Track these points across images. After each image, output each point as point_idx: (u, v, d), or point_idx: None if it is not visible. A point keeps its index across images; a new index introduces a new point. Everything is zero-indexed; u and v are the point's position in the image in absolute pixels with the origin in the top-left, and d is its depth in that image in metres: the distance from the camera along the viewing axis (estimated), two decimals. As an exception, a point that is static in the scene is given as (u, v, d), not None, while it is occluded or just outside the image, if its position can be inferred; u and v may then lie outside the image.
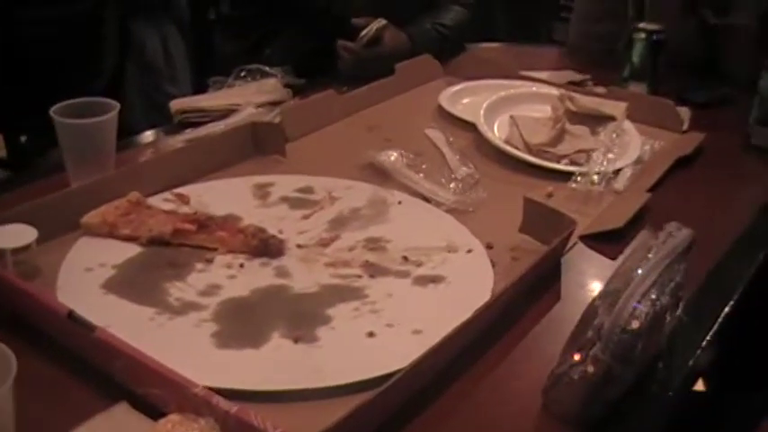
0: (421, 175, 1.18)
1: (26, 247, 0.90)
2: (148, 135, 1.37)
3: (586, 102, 1.41)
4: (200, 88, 1.58)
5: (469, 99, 1.52)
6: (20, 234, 0.90)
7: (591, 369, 0.70)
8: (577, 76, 1.64)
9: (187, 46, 2.12)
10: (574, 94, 1.42)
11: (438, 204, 1.11)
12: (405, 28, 1.65)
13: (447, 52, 1.68)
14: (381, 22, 1.60)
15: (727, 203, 1.22)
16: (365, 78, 1.52)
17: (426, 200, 1.13)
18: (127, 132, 1.27)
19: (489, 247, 1.01)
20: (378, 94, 1.50)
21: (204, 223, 1.00)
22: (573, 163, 1.26)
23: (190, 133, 1.31)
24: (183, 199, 1.10)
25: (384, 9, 1.63)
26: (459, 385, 0.79)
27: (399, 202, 1.11)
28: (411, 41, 1.64)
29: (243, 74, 1.51)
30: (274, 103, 1.42)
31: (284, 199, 1.12)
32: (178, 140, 1.29)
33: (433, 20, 1.71)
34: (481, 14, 1.81)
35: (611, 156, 1.26)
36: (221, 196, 1.11)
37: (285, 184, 1.15)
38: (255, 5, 1.81)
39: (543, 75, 1.61)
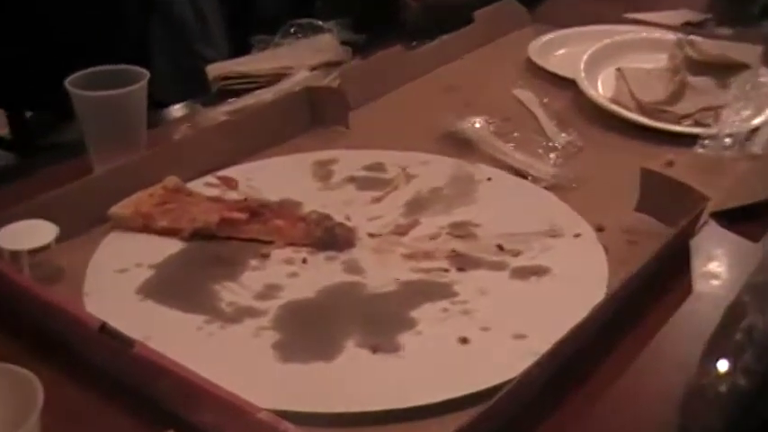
0: (512, 145, 1.17)
1: (45, 247, 0.89)
2: (182, 108, 1.37)
3: (711, 47, 1.37)
4: (240, 49, 1.56)
5: (565, 50, 1.50)
6: (36, 231, 0.90)
7: (742, 381, 0.67)
8: (696, 16, 1.61)
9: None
10: (695, 39, 1.39)
11: (535, 180, 1.10)
12: None
13: None
14: None
15: None
16: (437, 31, 1.50)
17: (520, 175, 1.11)
18: (156, 105, 1.27)
19: (600, 229, 0.99)
20: (454, 48, 1.48)
21: (257, 211, 0.99)
22: (697, 124, 1.23)
23: (232, 103, 1.31)
24: (230, 183, 1.09)
25: None
26: (572, 402, 0.76)
27: (489, 179, 1.10)
28: None
29: (292, 30, 1.50)
30: (331, 64, 1.41)
31: (350, 179, 1.11)
32: (219, 113, 1.28)
33: None
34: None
35: (745, 113, 1.22)
36: (275, 178, 1.10)
37: (350, 160, 1.15)
38: None
39: (654, 16, 1.59)
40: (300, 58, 1.42)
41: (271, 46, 1.48)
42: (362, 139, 1.21)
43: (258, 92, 1.34)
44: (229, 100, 1.32)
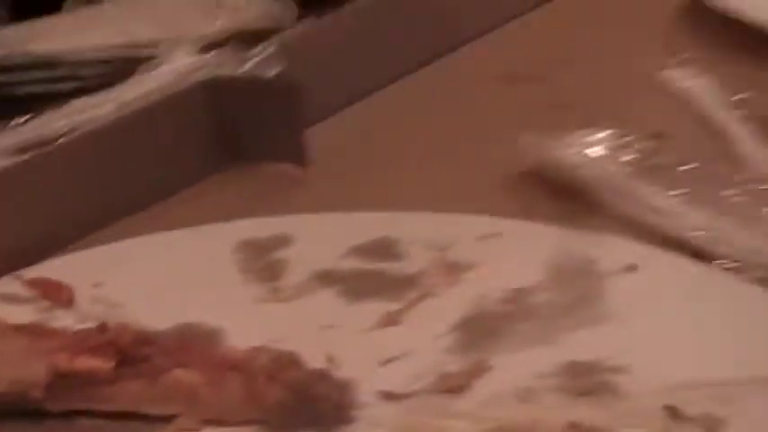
0: (679, 192, 1.17)
1: None
2: None
3: None
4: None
5: None
6: None
7: None
8: None
9: None
10: None
11: (739, 268, 1.09)
12: None
13: None
14: None
15: None
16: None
17: (701, 257, 1.11)
18: None
19: None
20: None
21: (134, 352, 0.97)
22: None
23: (19, 130, 1.31)
24: (56, 292, 1.09)
25: None
26: None
27: (631, 267, 1.09)
28: None
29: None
30: (250, 37, 1.42)
31: (326, 277, 1.11)
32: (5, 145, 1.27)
33: None
34: None
35: None
36: (157, 279, 1.10)
37: (322, 236, 1.16)
38: None
39: None
40: (177, 23, 1.45)
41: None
42: (338, 190, 1.22)
43: (77, 102, 1.34)
44: (13, 122, 1.32)
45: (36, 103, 1.35)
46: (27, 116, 1.33)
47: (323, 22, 1.44)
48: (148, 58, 1.40)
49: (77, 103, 1.34)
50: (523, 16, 1.50)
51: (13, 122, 1.32)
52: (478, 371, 1.00)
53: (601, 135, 1.24)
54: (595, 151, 1.22)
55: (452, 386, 0.99)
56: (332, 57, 1.37)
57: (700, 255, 1.12)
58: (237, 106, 1.28)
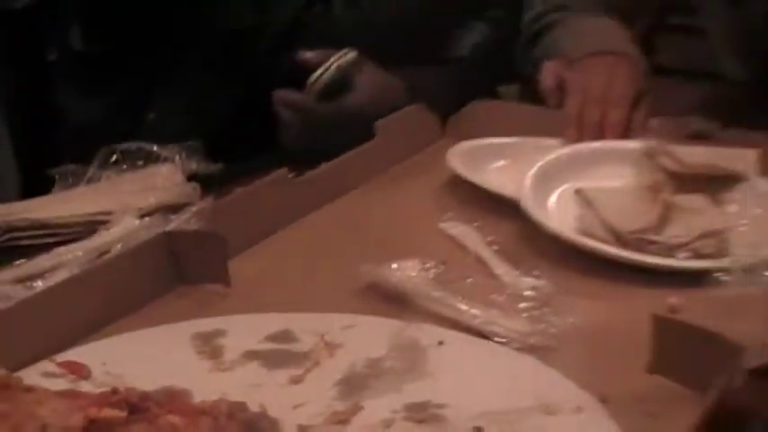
0: (461, 296, 1.19)
1: None
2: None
3: (693, 155, 1.44)
4: (35, 186, 1.57)
5: (501, 163, 1.56)
6: None
7: None
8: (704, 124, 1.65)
9: (8, 110, 2.08)
10: (671, 147, 1.44)
11: (504, 341, 1.11)
12: (396, 67, 1.68)
13: (470, 96, 1.70)
14: (348, 54, 1.59)
15: None
16: (326, 152, 1.52)
17: (481, 335, 1.13)
18: None
19: (604, 400, 1.00)
20: (355, 171, 1.52)
21: (138, 405, 0.95)
22: (697, 255, 1.28)
23: (20, 266, 1.30)
24: (79, 370, 1.07)
25: (358, 30, 1.65)
26: None
27: (440, 343, 1.10)
28: (407, 86, 1.66)
29: (113, 158, 1.50)
30: (171, 208, 1.41)
31: (252, 355, 1.10)
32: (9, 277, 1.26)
33: (444, 47, 1.76)
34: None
35: (756, 238, 1.28)
36: (143, 359, 1.09)
37: (246, 329, 1.15)
38: (126, 31, 1.79)
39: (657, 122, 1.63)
40: (125, 199, 1.42)
41: (83, 181, 1.47)
42: (253, 300, 1.22)
43: (59, 249, 1.33)
44: (16, 262, 1.30)
45: (32, 251, 1.33)
46: (24, 259, 1.31)
47: (235, 196, 1.41)
48: (106, 222, 1.38)
49: (60, 250, 1.33)
50: (356, 190, 1.50)
51: (16, 263, 1.31)
52: (355, 410, 1.01)
53: (410, 263, 1.23)
54: (409, 272, 1.22)
55: (340, 420, 1.00)
56: (237, 216, 1.36)
57: (481, 334, 1.14)
58: (182, 248, 1.26)
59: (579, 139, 1.53)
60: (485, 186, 1.46)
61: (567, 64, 1.64)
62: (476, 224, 1.39)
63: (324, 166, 1.50)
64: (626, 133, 1.53)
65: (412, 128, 1.64)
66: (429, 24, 1.78)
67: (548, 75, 1.59)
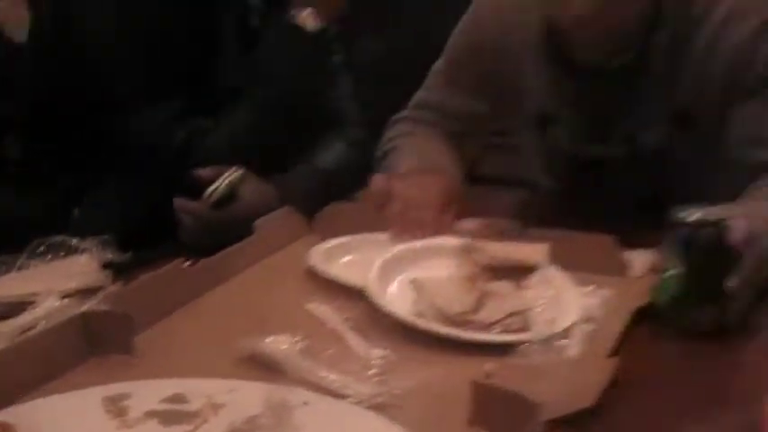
0: (323, 364, 1.17)
1: None
2: None
3: (497, 250, 1.44)
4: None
5: (351, 256, 1.54)
6: None
7: None
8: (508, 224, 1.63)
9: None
10: (480, 243, 1.45)
11: (356, 400, 1.10)
12: (272, 177, 1.66)
13: (332, 200, 1.68)
14: (236, 172, 1.58)
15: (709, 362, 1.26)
16: (216, 246, 1.49)
17: (339, 396, 1.11)
18: None
19: None
20: (237, 261, 1.49)
21: None
22: (506, 331, 1.28)
23: None
24: (7, 428, 1.02)
25: (241, 153, 1.63)
26: None
27: (305, 403, 1.08)
28: (280, 193, 1.65)
29: (40, 249, 1.45)
30: (88, 291, 1.37)
31: (151, 414, 1.07)
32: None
33: (310, 164, 1.74)
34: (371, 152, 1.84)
35: (550, 315, 1.29)
36: (62, 418, 1.05)
37: (147, 393, 1.11)
38: (58, 144, 1.75)
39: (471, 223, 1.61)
40: (50, 283, 1.37)
41: (15, 268, 1.42)
42: (154, 368, 1.18)
43: None
44: None
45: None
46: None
47: (139, 282, 1.36)
48: (33, 302, 1.33)
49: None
50: (239, 276, 1.47)
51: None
52: None
53: (282, 337, 1.21)
54: (281, 345, 1.20)
55: None
56: (140, 298, 1.30)
57: (338, 395, 1.11)
58: (95, 326, 1.21)
59: (401, 235, 1.53)
60: (335, 278, 1.45)
61: (396, 176, 1.65)
62: (335, 305, 1.37)
63: (213, 257, 1.47)
64: (437, 232, 1.54)
65: (284, 226, 1.62)
66: (298, 141, 1.77)
67: (375, 184, 1.59)
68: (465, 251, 1.45)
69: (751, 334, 1.31)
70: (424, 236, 1.53)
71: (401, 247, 1.49)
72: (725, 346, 1.28)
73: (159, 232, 1.58)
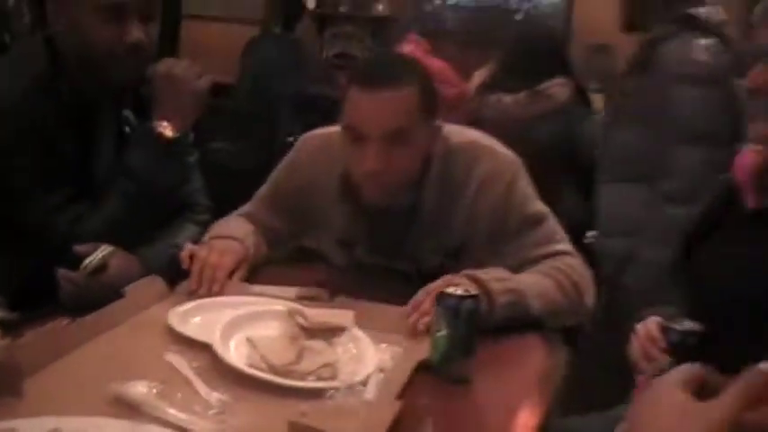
0: (174, 406, 1.14)
1: None
2: None
3: (315, 315, 1.45)
4: None
5: (201, 317, 1.49)
6: None
7: None
8: (308, 291, 1.66)
9: None
10: (302, 309, 1.46)
11: None
12: (137, 250, 1.61)
13: (184, 273, 1.63)
14: (107, 248, 1.53)
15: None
16: (93, 305, 1.43)
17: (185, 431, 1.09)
18: None
19: None
20: (110, 319, 1.44)
21: None
22: (320, 378, 1.28)
23: None
24: None
25: (114, 232, 1.58)
26: None
27: None
28: (143, 265, 1.60)
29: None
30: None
31: None
32: None
33: (168, 240, 1.70)
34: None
35: (353, 367, 1.31)
36: None
37: (30, 427, 1.06)
38: None
39: (275, 290, 1.64)
40: None
41: None
42: (38, 406, 1.13)
43: None
44: None
45: None
46: None
47: (29, 336, 1.30)
48: None
49: None
50: (112, 330, 1.41)
51: None
52: None
53: (144, 382, 1.19)
54: (141, 389, 1.17)
55: None
56: (30, 349, 1.24)
57: (183, 431, 1.10)
58: None
59: (197, 289, 1.58)
60: (188, 335, 1.41)
61: (201, 245, 1.68)
62: (186, 356, 1.34)
63: (88, 316, 1.41)
64: (226, 289, 1.59)
65: (149, 291, 1.57)
66: (158, 223, 1.74)
67: (184, 252, 1.62)
68: (289, 315, 1.45)
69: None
70: (215, 291, 1.57)
71: (240, 312, 1.47)
72: (471, 388, 1.35)
73: (43, 296, 1.50)
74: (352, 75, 1.67)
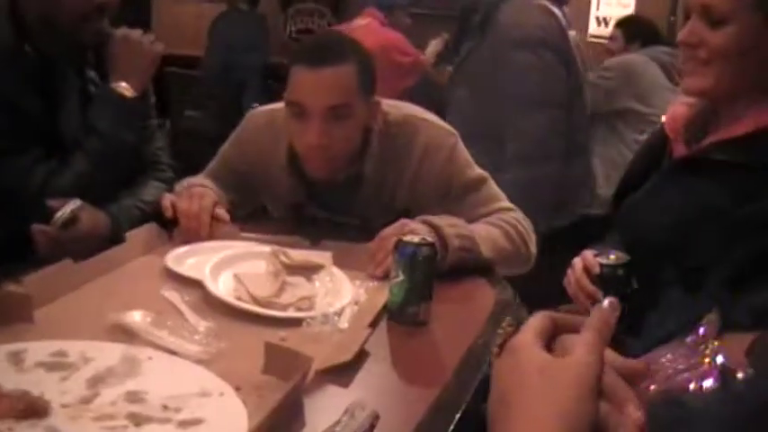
0: (165, 331, 1.25)
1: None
2: None
3: (296, 255, 1.57)
4: None
5: (195, 259, 1.59)
6: None
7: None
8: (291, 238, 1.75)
9: None
10: (285, 250, 1.57)
11: (186, 356, 1.19)
12: (104, 206, 1.65)
13: (169, 222, 1.70)
14: (76, 202, 1.56)
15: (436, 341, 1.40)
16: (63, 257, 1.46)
17: (174, 353, 1.20)
18: None
19: (238, 388, 1.10)
20: (111, 261, 1.54)
21: None
22: (299, 309, 1.39)
23: None
24: None
25: (83, 188, 1.62)
26: None
27: (150, 358, 1.16)
28: (111, 219, 1.64)
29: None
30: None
31: (40, 364, 1.13)
32: None
33: (134, 197, 1.75)
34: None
35: (329, 299, 1.42)
36: None
37: (38, 349, 1.16)
38: None
39: (263, 236, 1.74)
40: None
41: None
42: (46, 331, 1.23)
43: None
44: None
45: None
46: None
47: (43, 273, 1.39)
48: None
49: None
50: (114, 271, 1.51)
51: None
52: (95, 395, 1.07)
53: (138, 312, 1.28)
54: (136, 318, 1.28)
55: (86, 401, 1.05)
56: (42, 284, 1.34)
57: (174, 353, 1.20)
58: (6, 303, 1.26)
59: (188, 234, 1.66)
60: (182, 273, 1.52)
61: (175, 194, 1.74)
62: (181, 292, 1.44)
63: (94, 257, 1.51)
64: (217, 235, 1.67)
65: (149, 237, 1.67)
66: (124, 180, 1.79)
67: (164, 202, 1.69)
68: (273, 254, 1.56)
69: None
70: (203, 236, 1.65)
71: (228, 252, 1.58)
72: (428, 328, 1.42)
73: (23, 250, 1.55)
74: (296, 54, 1.73)
